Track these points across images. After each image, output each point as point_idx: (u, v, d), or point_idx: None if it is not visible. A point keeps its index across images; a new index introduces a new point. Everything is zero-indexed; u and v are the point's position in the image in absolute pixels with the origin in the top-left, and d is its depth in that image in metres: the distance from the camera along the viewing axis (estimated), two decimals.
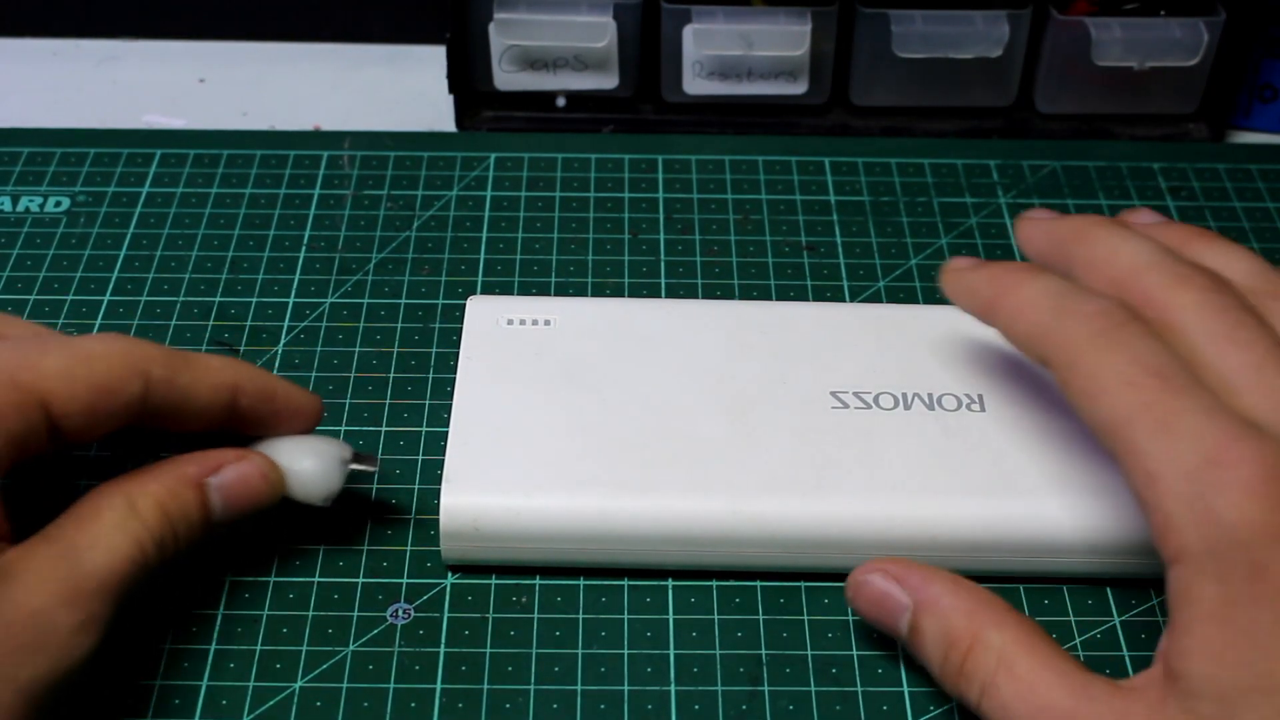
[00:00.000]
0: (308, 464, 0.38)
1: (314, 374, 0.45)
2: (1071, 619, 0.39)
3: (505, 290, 0.48)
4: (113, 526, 0.34)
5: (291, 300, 0.47)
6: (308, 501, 0.38)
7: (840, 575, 0.39)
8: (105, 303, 0.47)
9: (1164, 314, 0.34)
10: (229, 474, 0.36)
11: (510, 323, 0.43)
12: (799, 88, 0.55)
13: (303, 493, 0.38)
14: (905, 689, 0.37)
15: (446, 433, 0.41)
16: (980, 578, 0.37)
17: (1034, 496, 0.38)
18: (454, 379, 0.41)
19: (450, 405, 0.41)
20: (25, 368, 0.32)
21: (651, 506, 0.38)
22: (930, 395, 0.41)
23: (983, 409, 0.40)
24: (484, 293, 0.48)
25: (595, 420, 0.40)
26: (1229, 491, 0.30)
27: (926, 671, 0.36)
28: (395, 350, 0.46)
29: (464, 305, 0.44)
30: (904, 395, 0.41)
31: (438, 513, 0.38)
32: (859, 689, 0.37)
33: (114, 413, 0.34)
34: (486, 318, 0.43)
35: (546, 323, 0.43)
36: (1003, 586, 0.38)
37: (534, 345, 0.42)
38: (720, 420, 0.40)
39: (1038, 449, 0.39)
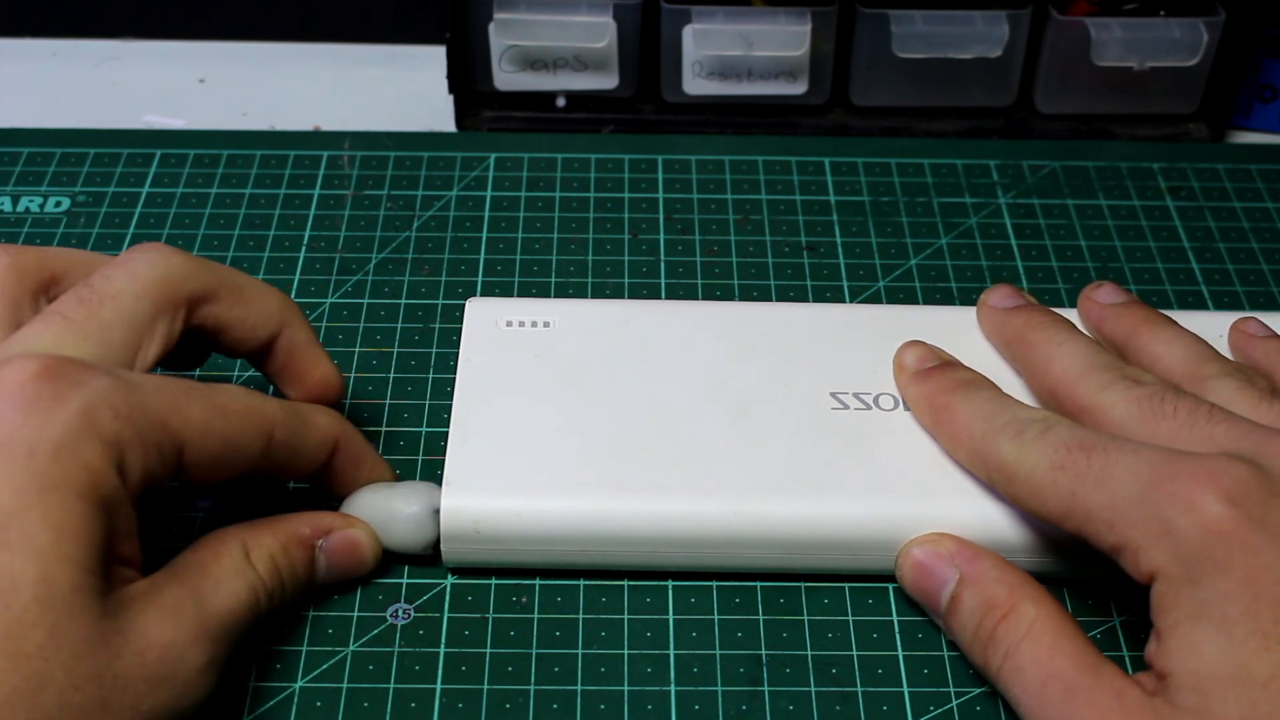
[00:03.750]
0: (411, 512, 0.38)
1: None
2: None
3: (505, 290, 0.48)
4: (233, 572, 0.35)
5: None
6: (407, 551, 0.39)
7: (841, 576, 0.39)
8: None
9: (1096, 416, 0.37)
10: (336, 539, 0.38)
11: (510, 324, 0.43)
12: (799, 88, 0.55)
13: (402, 544, 0.39)
14: (905, 689, 0.37)
15: (447, 433, 0.41)
16: None
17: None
18: (454, 379, 0.41)
19: (450, 406, 0.41)
20: (174, 412, 0.33)
21: (652, 508, 0.38)
22: None
23: None
24: (484, 293, 0.48)
25: (595, 422, 0.40)
26: (1177, 502, 0.32)
27: (928, 673, 0.36)
28: (395, 350, 0.46)
29: (464, 306, 0.44)
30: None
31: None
32: (859, 689, 0.37)
33: (234, 466, 0.35)
34: (486, 319, 0.43)
35: (546, 324, 0.43)
36: None
37: (534, 347, 0.42)
38: (720, 421, 0.40)
39: None
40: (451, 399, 0.41)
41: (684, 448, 0.39)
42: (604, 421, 0.40)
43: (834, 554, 0.38)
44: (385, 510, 0.38)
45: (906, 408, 0.41)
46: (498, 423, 0.40)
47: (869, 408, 0.41)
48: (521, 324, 0.43)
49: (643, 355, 0.42)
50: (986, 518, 0.38)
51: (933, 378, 0.40)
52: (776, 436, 0.40)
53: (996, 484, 0.37)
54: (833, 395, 0.41)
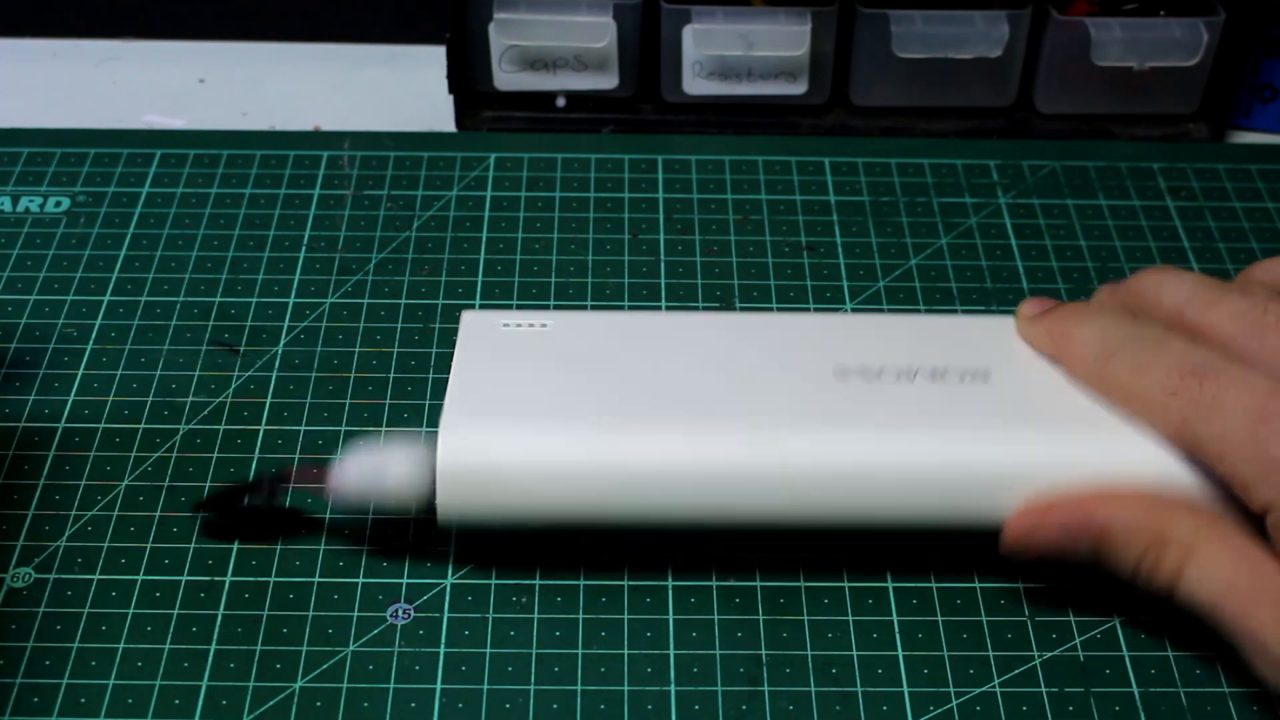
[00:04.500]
0: (405, 458, 0.38)
1: (314, 374, 0.45)
2: (1071, 619, 0.39)
3: (505, 291, 0.48)
4: None
5: (291, 300, 0.47)
6: (400, 505, 0.38)
7: (842, 537, 0.38)
8: (105, 303, 0.47)
9: (1206, 336, 0.37)
10: None
11: (506, 325, 0.42)
12: (799, 88, 0.55)
13: (397, 497, 0.38)
14: (905, 689, 0.37)
15: None
16: (1027, 643, 0.38)
17: (1057, 431, 0.38)
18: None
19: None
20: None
21: (659, 445, 0.38)
22: (935, 369, 0.40)
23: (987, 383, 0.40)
24: (484, 294, 0.48)
25: (598, 391, 0.39)
26: None
27: (927, 673, 0.36)
28: (395, 350, 0.46)
29: (465, 306, 0.44)
30: (910, 370, 0.40)
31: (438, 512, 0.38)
32: (859, 689, 0.37)
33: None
34: (482, 325, 0.42)
35: (543, 325, 0.42)
36: (1052, 653, 0.38)
37: (532, 341, 0.41)
38: (728, 391, 0.39)
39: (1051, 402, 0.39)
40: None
41: (690, 399, 0.39)
42: (607, 392, 0.39)
43: (853, 492, 0.38)
44: (379, 462, 0.38)
45: (910, 380, 0.40)
46: (497, 381, 0.39)
47: (873, 383, 0.40)
48: (519, 325, 0.42)
49: (643, 356, 0.41)
50: (1010, 450, 0.38)
51: (1052, 312, 0.41)
52: (782, 399, 0.39)
53: (1115, 403, 0.38)
54: (835, 373, 0.40)
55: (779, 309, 0.47)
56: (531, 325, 0.42)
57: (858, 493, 0.38)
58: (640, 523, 0.38)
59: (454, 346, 0.40)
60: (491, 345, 0.41)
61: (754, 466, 0.38)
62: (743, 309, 0.47)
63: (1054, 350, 0.40)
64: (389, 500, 0.38)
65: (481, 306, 0.47)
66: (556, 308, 0.47)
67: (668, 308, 0.47)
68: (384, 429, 0.43)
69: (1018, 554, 0.37)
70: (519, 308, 0.47)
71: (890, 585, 0.39)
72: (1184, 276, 0.40)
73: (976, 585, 0.39)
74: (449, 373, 0.39)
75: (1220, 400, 0.35)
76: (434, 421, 0.43)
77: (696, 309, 0.47)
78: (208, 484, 0.41)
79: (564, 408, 0.39)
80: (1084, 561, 0.37)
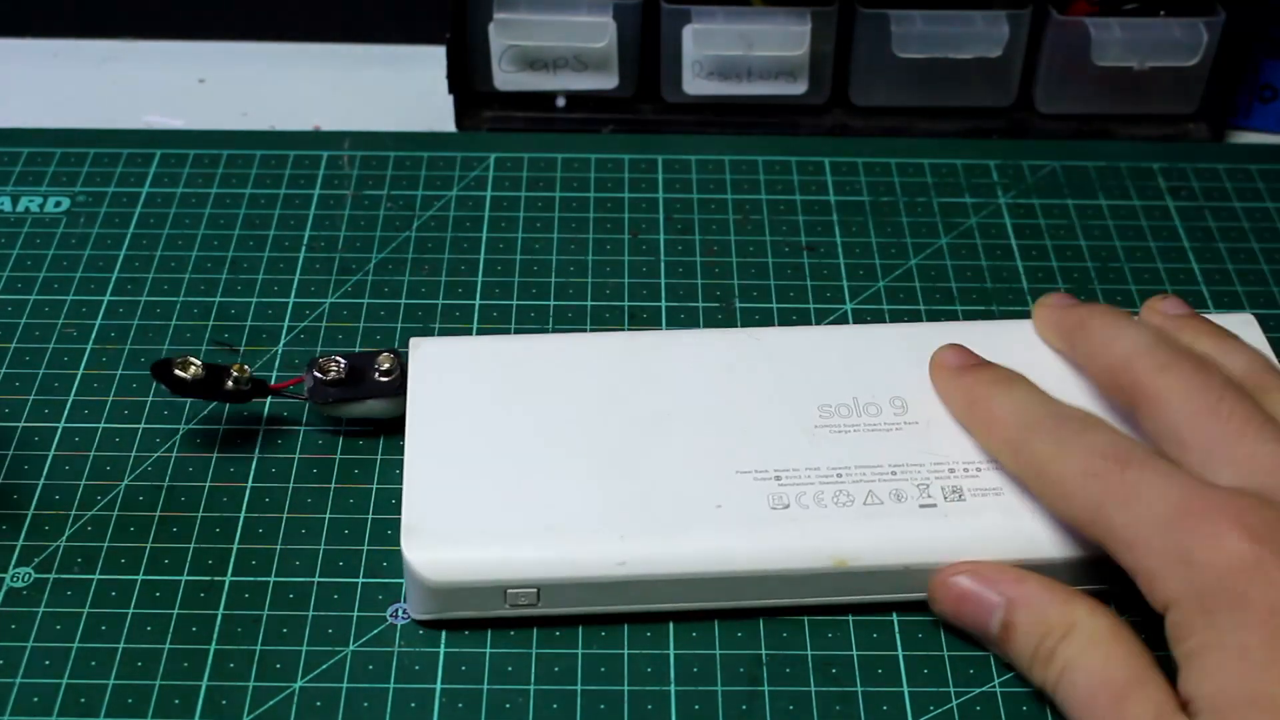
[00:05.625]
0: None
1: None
2: None
3: (505, 291, 0.48)
4: None
5: (291, 300, 0.47)
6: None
7: (845, 608, 0.38)
8: (105, 303, 0.47)
9: (1151, 396, 0.37)
10: None
11: (457, 366, 0.41)
12: (799, 88, 0.55)
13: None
14: (905, 689, 0.37)
15: None
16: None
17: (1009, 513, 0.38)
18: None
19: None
20: None
21: (628, 548, 0.37)
22: (900, 401, 0.41)
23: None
24: (484, 294, 0.48)
25: (560, 459, 0.39)
26: (1200, 536, 0.33)
27: (927, 673, 0.36)
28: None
29: (465, 306, 0.44)
30: (887, 402, 0.40)
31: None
32: (859, 689, 0.37)
33: None
34: (432, 360, 0.42)
35: (500, 362, 0.41)
36: None
37: (487, 386, 0.41)
38: (696, 448, 0.39)
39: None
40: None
41: (640, 479, 0.38)
42: (569, 458, 0.39)
43: (835, 583, 0.38)
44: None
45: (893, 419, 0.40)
46: (455, 468, 0.39)
47: (856, 429, 0.40)
48: (473, 361, 0.42)
49: (603, 388, 0.41)
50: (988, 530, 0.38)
51: (972, 373, 0.40)
52: (755, 460, 0.39)
53: (1025, 479, 0.37)
54: (819, 410, 0.40)
55: (778, 308, 0.47)
56: (486, 363, 0.41)
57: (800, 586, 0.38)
58: (614, 613, 0.38)
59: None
60: (443, 403, 0.40)
61: (734, 567, 0.37)
62: (741, 307, 0.47)
63: (969, 417, 0.39)
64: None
65: (440, 329, 0.46)
66: (517, 330, 0.46)
67: (668, 308, 0.47)
68: (383, 435, 0.43)
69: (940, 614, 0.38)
70: (479, 331, 0.46)
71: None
72: (1139, 329, 0.39)
73: None
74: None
75: (1139, 489, 0.34)
76: None
77: (695, 306, 0.47)
78: (207, 484, 0.41)
79: (527, 495, 0.38)
80: (975, 633, 0.37)
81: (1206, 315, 0.42)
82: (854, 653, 0.38)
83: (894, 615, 0.39)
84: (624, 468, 0.39)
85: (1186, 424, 0.36)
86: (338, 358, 0.42)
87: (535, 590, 0.37)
